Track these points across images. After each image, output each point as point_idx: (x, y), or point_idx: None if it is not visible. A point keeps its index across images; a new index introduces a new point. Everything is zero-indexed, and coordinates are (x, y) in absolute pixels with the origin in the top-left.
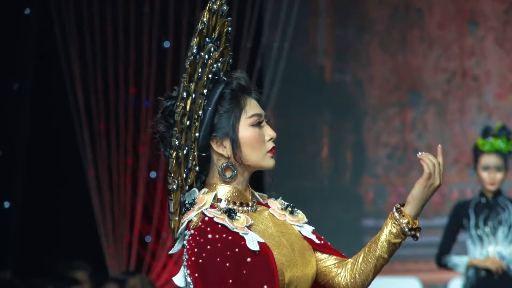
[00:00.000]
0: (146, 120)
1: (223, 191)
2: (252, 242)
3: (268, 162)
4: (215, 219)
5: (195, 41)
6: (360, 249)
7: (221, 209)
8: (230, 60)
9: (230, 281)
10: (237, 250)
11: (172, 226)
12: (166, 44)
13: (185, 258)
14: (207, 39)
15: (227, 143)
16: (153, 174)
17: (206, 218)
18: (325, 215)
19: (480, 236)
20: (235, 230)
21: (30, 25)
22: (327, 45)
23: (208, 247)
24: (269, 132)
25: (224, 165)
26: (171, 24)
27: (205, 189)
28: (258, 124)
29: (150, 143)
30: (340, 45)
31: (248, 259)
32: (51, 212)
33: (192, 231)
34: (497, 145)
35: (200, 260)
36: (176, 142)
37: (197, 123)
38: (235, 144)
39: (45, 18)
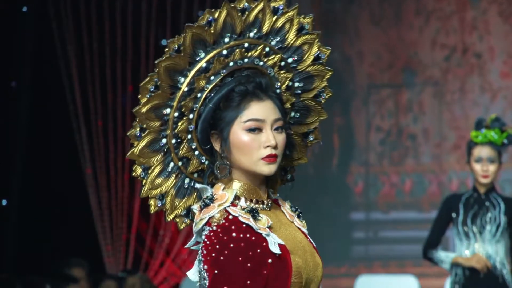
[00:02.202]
0: None
1: (236, 186)
2: (274, 244)
3: (261, 168)
4: (240, 218)
5: (187, 38)
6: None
7: (244, 208)
8: (289, 60)
9: (248, 282)
10: (258, 251)
11: (153, 210)
12: (164, 42)
13: (203, 253)
14: (228, 34)
15: (220, 142)
16: None
17: (231, 217)
18: (308, 207)
19: (467, 233)
20: (258, 231)
21: (27, 23)
22: (313, 19)
23: (232, 245)
24: (267, 139)
25: (217, 163)
26: (168, 21)
27: (221, 184)
28: (254, 130)
29: None
30: (326, 19)
31: (269, 261)
32: (48, 210)
33: (214, 227)
34: (490, 136)
35: (222, 258)
36: (138, 132)
37: (191, 116)
38: (225, 145)
39: (42, 15)
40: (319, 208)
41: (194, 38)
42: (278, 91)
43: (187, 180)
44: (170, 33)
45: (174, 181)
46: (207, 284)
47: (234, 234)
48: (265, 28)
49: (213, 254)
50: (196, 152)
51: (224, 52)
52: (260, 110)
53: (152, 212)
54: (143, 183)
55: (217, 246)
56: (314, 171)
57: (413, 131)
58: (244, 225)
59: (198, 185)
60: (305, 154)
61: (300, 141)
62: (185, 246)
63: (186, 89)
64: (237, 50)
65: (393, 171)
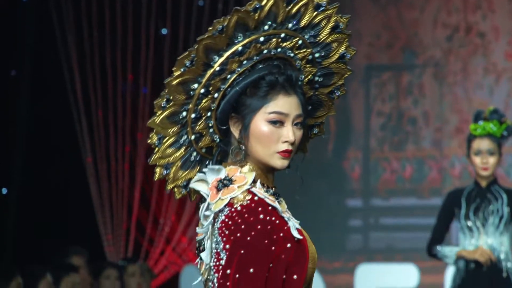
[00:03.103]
0: (144, 107)
1: (246, 169)
2: (294, 229)
3: (275, 161)
4: (267, 200)
5: (231, 20)
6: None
7: (267, 190)
8: (316, 55)
9: (271, 265)
10: (281, 234)
11: (156, 177)
12: (164, 31)
13: (223, 233)
14: (269, 22)
15: (240, 127)
16: None
17: (256, 198)
18: (302, 193)
19: (470, 227)
20: (282, 214)
21: (28, 13)
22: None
23: (259, 227)
24: (287, 134)
25: (233, 147)
26: (168, 10)
27: (237, 167)
28: (276, 123)
29: (148, 130)
30: None
31: (288, 245)
32: (49, 199)
33: (237, 208)
34: (489, 128)
35: (248, 238)
36: (164, 103)
37: (216, 95)
38: (244, 131)
39: (42, 4)
40: (314, 194)
41: (238, 21)
42: (301, 83)
43: (194, 154)
44: (170, 22)
45: (183, 153)
46: (222, 264)
47: (261, 216)
48: (303, 22)
49: (238, 234)
50: (211, 130)
51: (261, 39)
52: (286, 104)
53: (155, 179)
54: (155, 151)
55: (243, 227)
56: (309, 155)
57: (414, 115)
58: (270, 207)
59: (212, 166)
60: (306, 145)
61: (305, 132)
62: (199, 230)
63: (218, 68)
64: (274, 39)
65: (393, 157)
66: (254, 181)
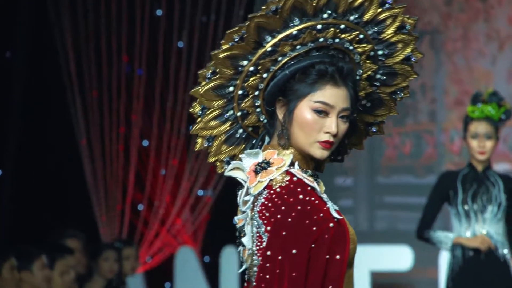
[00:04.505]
0: (139, 89)
1: (284, 152)
2: (334, 209)
3: (314, 151)
4: (306, 181)
5: (287, 3)
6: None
7: (306, 172)
8: (379, 52)
9: (313, 245)
10: (321, 215)
11: (197, 148)
12: (159, 12)
13: (263, 215)
14: (329, 11)
15: (285, 111)
16: (145, 143)
17: (295, 178)
18: None
19: (468, 213)
20: (321, 194)
21: None
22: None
23: (299, 207)
24: (330, 126)
25: (280, 132)
26: None
27: (274, 150)
28: (320, 112)
29: (142, 112)
30: None
31: (331, 225)
32: (43, 180)
33: (277, 189)
34: (487, 111)
35: (289, 219)
36: (209, 74)
37: (265, 75)
38: (288, 116)
39: None
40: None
41: (295, 4)
42: (358, 77)
43: (240, 131)
44: (165, 3)
45: (228, 128)
46: (263, 246)
47: (300, 196)
48: (367, 17)
49: (279, 216)
50: (258, 110)
51: (319, 26)
52: (333, 95)
53: (196, 149)
54: (197, 121)
55: (283, 208)
56: None
57: (411, 87)
58: (309, 188)
59: (249, 150)
60: (363, 141)
61: (362, 129)
62: (239, 217)
63: (269, 49)
64: (332, 28)
65: (394, 132)
66: (292, 164)
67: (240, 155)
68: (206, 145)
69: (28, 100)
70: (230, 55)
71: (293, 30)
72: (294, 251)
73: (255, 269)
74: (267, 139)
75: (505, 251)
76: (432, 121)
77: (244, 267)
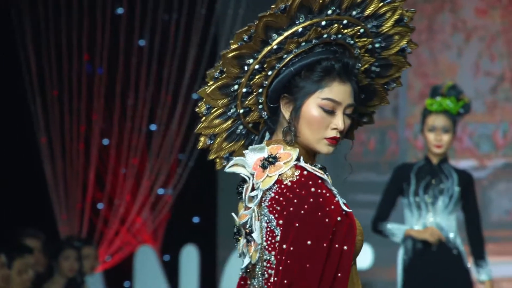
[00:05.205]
0: (99, 87)
1: (289, 147)
2: (342, 202)
3: (321, 147)
4: (316, 173)
5: (295, 1)
6: None
7: (315, 165)
8: (377, 45)
9: (330, 236)
10: (332, 207)
11: (200, 146)
12: (120, 10)
13: (274, 209)
14: (333, 8)
15: (291, 108)
16: (105, 141)
17: (305, 172)
18: None
19: (419, 204)
20: (331, 187)
21: None
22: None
23: (311, 200)
24: (337, 122)
25: (286, 128)
26: None
27: (280, 145)
28: (328, 109)
29: (103, 110)
30: None
31: (339, 218)
32: (3, 179)
33: (287, 183)
34: (446, 104)
35: (302, 211)
36: (218, 73)
37: (270, 73)
38: (295, 113)
39: None
40: None
41: (302, 2)
42: (357, 71)
43: (241, 127)
44: (126, 2)
45: (230, 125)
46: (278, 241)
47: (313, 189)
48: (368, 11)
49: (291, 209)
50: (260, 106)
51: (323, 23)
52: (340, 92)
53: (199, 147)
54: (202, 120)
55: (295, 201)
56: None
57: None
58: (319, 181)
59: (254, 146)
60: (353, 132)
61: (354, 120)
62: (244, 212)
63: (275, 47)
64: (336, 24)
65: (360, 128)
66: (298, 158)
67: (244, 151)
68: (208, 143)
69: None
70: (237, 55)
71: (299, 27)
72: (309, 242)
73: (264, 263)
74: (267, 135)
75: (458, 243)
76: (395, 117)
77: (246, 262)
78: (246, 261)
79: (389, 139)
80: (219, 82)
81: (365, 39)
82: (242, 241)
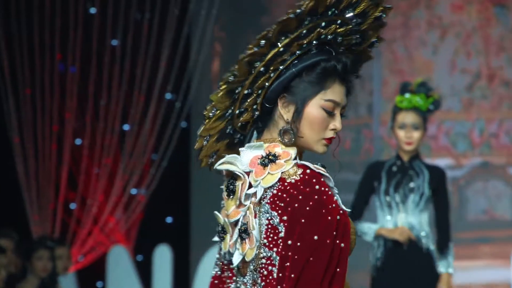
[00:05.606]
0: (72, 87)
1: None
2: (341, 202)
3: (318, 147)
4: (322, 172)
5: (308, 4)
6: None
7: (316, 163)
8: (375, 44)
9: (335, 233)
10: (333, 205)
11: (196, 147)
12: (92, 10)
13: (277, 206)
14: (333, 9)
15: (292, 109)
16: (78, 141)
17: (308, 170)
18: None
19: (389, 203)
20: (332, 185)
21: None
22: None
23: (316, 197)
24: (335, 123)
25: (285, 128)
26: None
27: (276, 143)
28: (329, 110)
29: (76, 110)
30: None
31: (338, 217)
32: None
33: (291, 181)
34: (415, 101)
35: (307, 208)
36: (231, 77)
37: (272, 75)
38: (298, 114)
39: None
40: None
41: (313, 6)
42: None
43: (229, 127)
44: (98, 1)
45: (223, 125)
46: (282, 236)
47: (316, 187)
48: (358, 10)
49: (296, 205)
50: (255, 107)
51: (323, 24)
52: (341, 93)
53: (196, 148)
54: (206, 122)
55: (300, 197)
56: None
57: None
58: (322, 179)
59: (251, 143)
60: None
61: None
62: (240, 209)
63: (281, 49)
64: (333, 25)
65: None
66: (295, 157)
67: (240, 149)
68: (204, 144)
69: None
70: (251, 59)
71: (304, 29)
72: (315, 237)
73: (263, 260)
74: (254, 134)
75: (429, 242)
76: (370, 114)
77: (239, 259)
78: (238, 258)
79: (364, 137)
80: (229, 86)
81: (350, 36)
82: (229, 239)
